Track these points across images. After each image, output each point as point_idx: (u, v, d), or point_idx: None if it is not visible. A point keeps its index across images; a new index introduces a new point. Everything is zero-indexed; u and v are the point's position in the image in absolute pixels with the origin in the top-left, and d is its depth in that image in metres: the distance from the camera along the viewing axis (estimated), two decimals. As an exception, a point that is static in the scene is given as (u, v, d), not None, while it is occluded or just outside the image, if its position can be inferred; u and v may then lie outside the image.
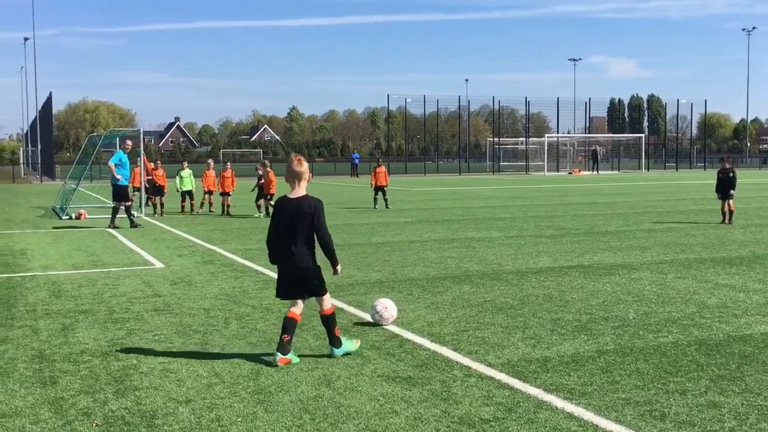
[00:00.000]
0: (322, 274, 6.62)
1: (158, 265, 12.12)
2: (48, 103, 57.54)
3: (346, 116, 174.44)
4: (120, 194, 18.33)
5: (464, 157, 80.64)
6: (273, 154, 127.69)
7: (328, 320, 6.68)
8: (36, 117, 70.22)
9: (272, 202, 19.97)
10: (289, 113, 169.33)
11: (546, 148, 65.79)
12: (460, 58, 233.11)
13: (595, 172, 62.52)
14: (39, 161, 64.40)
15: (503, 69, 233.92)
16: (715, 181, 18.66)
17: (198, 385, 5.84)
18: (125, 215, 18.39)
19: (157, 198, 22.44)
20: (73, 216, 20.64)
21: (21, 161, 73.90)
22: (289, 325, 6.50)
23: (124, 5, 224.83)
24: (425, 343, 7.06)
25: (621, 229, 17.02)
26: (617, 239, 15.02)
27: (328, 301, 6.73)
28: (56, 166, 58.66)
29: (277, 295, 6.71)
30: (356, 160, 60.36)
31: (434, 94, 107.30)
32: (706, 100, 79.02)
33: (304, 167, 6.60)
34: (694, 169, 72.01)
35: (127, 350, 6.87)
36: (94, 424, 5.03)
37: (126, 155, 18.58)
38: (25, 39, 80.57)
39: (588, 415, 5.14)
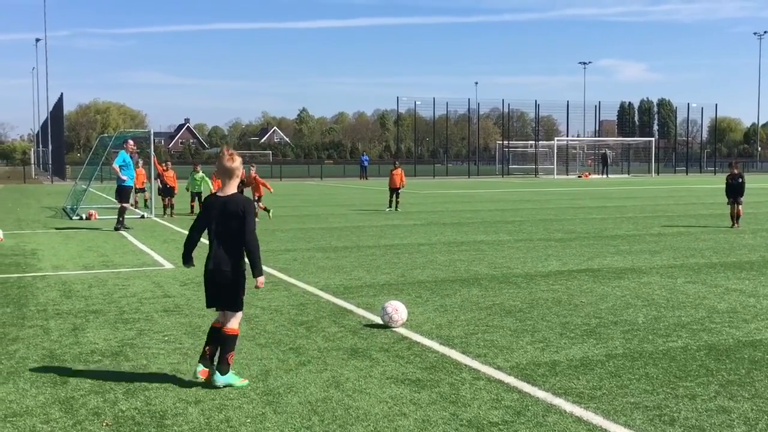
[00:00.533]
0: (244, 287, 6.00)
1: (168, 265, 12.16)
2: (59, 103, 57.84)
3: (356, 118, 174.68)
4: (126, 195, 18.44)
5: (473, 160, 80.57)
6: (282, 155, 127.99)
7: (227, 341, 5.87)
8: (47, 117, 70.58)
9: (261, 204, 19.99)
10: (298, 115, 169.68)
11: (555, 151, 65.69)
12: (469, 60, 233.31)
13: (604, 176, 62.37)
14: (50, 161, 64.70)
15: (513, 72, 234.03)
16: (724, 186, 18.79)
17: (207, 386, 5.86)
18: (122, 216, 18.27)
19: (168, 199, 22.59)
20: (84, 216, 20.74)
21: (32, 161, 74.29)
22: (211, 336, 5.97)
23: (136, 7, 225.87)
24: (434, 345, 7.07)
25: (631, 233, 16.98)
26: (627, 243, 14.98)
27: (237, 321, 5.97)
28: (67, 166, 58.93)
29: (207, 304, 6.11)
30: (365, 163, 60.41)
31: (444, 97, 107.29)
32: (716, 104, 78.70)
33: (236, 163, 5.94)
34: (705, 174, 71.74)
35: (137, 350, 6.91)
36: (104, 424, 5.06)
37: (129, 156, 18.59)
38: (37, 40, 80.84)
39: (597, 419, 5.14)
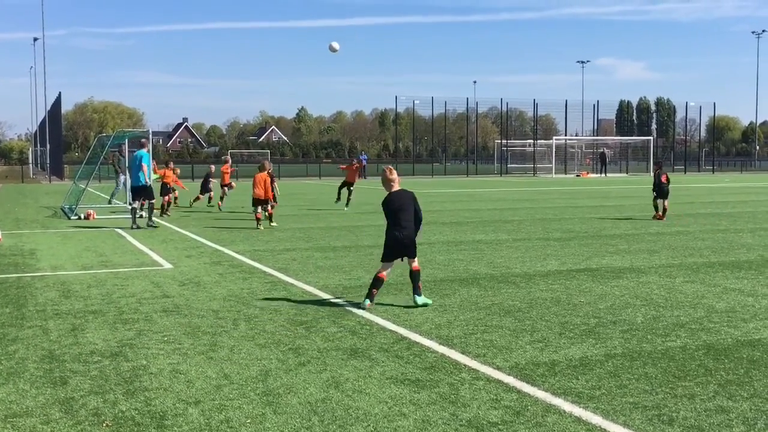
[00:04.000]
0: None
1: (167, 265, 12.17)
2: (57, 103, 57.75)
3: (354, 117, 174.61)
4: (146, 193, 18.28)
5: (472, 159, 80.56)
6: (281, 155, 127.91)
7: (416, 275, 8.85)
8: (45, 117, 70.49)
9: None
10: (297, 114, 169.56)
11: (554, 150, 65.69)
12: (468, 59, 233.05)
13: (603, 175, 62.38)
14: (48, 161, 64.63)
15: (511, 71, 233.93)
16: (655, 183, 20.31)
17: (207, 386, 5.87)
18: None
19: (165, 197, 22.47)
20: (82, 216, 20.73)
21: (30, 161, 74.19)
22: (375, 281, 8.78)
23: (133, 6, 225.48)
24: (433, 345, 7.08)
25: (629, 232, 17.00)
26: (625, 242, 15.00)
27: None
28: (65, 165, 58.88)
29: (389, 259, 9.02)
30: (364, 162, 60.38)
31: (442, 96, 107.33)
32: (714, 103, 78.37)
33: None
34: (703, 172, 71.80)
35: (137, 351, 6.91)
36: (104, 425, 5.06)
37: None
38: (35, 39, 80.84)
39: (596, 419, 5.15)
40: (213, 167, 26.17)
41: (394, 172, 9.18)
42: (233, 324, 7.98)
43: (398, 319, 8.14)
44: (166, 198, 22.45)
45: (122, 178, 26.55)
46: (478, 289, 9.96)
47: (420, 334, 7.49)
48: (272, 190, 18.57)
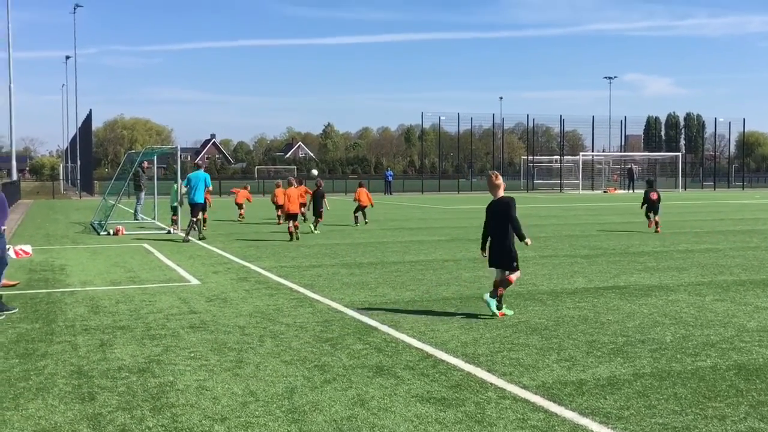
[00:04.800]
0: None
1: (194, 281, 12.25)
2: (88, 120, 58.58)
3: (380, 133, 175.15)
4: (203, 209, 20.07)
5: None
6: (307, 171, 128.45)
7: (504, 282, 9.22)
8: (76, 133, 71.51)
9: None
10: (323, 130, 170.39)
11: (581, 166, 65.33)
12: (494, 75, 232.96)
13: (630, 191, 61.88)
14: (78, 177, 65.49)
15: (538, 87, 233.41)
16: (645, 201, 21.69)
17: (233, 403, 5.89)
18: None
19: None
20: (111, 232, 20.96)
21: (61, 177, 75.24)
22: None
23: (163, 25, 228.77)
24: (459, 363, 7.04)
25: (657, 249, 16.83)
26: (654, 260, 14.85)
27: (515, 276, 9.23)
28: (95, 181, 59.62)
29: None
30: (390, 178, 60.47)
31: (468, 112, 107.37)
32: (744, 119, 77.75)
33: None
34: (732, 189, 70.97)
35: (164, 367, 6.95)
36: (131, 441, 5.09)
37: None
38: (67, 57, 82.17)
39: (624, 440, 5.08)
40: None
41: (500, 177, 9.37)
42: (259, 340, 8.01)
43: (424, 337, 8.12)
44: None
45: (142, 193, 26.92)
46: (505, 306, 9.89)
47: (446, 352, 7.45)
48: (321, 206, 21.62)
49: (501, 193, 9.37)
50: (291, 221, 18.92)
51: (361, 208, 24.15)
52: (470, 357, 7.27)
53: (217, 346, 7.75)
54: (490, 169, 9.25)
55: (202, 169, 20.95)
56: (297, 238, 18.78)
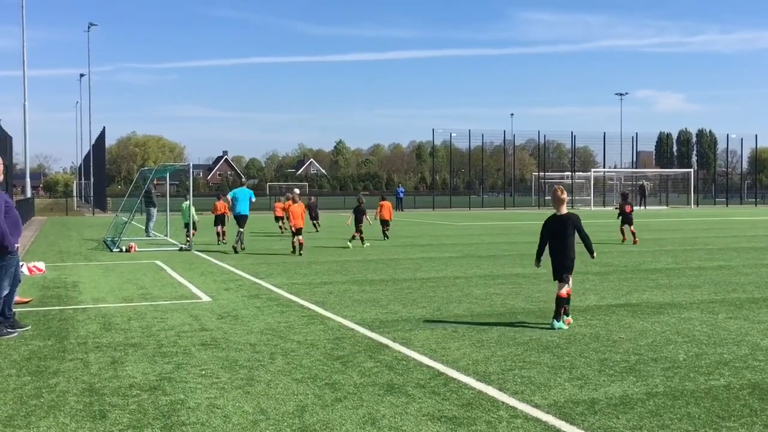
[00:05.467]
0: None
1: (205, 298, 12.27)
2: (101, 137, 59.04)
3: (392, 150, 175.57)
4: (245, 221, 21.92)
5: (509, 192, 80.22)
6: (318, 187, 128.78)
7: (560, 301, 9.57)
8: (89, 150, 72.00)
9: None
10: (335, 147, 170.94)
11: (592, 182, 65.20)
12: (505, 92, 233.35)
13: (642, 208, 61.65)
14: (92, 194, 65.90)
15: (549, 103, 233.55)
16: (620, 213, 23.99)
17: (244, 421, 5.88)
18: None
19: (219, 227, 23.87)
20: (124, 249, 21.05)
21: (74, 193, 75.67)
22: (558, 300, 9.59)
23: (176, 42, 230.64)
24: (471, 381, 7.02)
25: (670, 266, 16.74)
26: (666, 277, 14.77)
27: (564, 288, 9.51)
28: (108, 198, 59.96)
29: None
30: (401, 194, 60.52)
31: (479, 128, 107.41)
32: (756, 135, 77.11)
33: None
34: (745, 205, 70.60)
35: (175, 385, 6.96)
36: (142, 459, 5.09)
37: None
38: (81, 75, 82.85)
39: (637, 461, 5.04)
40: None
41: (565, 192, 9.69)
42: (270, 358, 8.01)
43: (435, 355, 8.10)
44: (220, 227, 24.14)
45: (154, 210, 27.05)
46: (515, 324, 9.86)
47: (457, 370, 7.43)
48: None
49: (564, 208, 9.64)
50: (296, 236, 19.86)
51: (384, 222, 25.03)
52: (481, 375, 7.24)
53: (228, 364, 7.75)
54: (556, 186, 10.00)
55: (246, 186, 24.16)
56: (300, 254, 19.45)
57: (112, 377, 7.24)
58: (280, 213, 29.20)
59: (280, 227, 29.00)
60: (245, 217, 21.88)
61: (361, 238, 22.42)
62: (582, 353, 8.16)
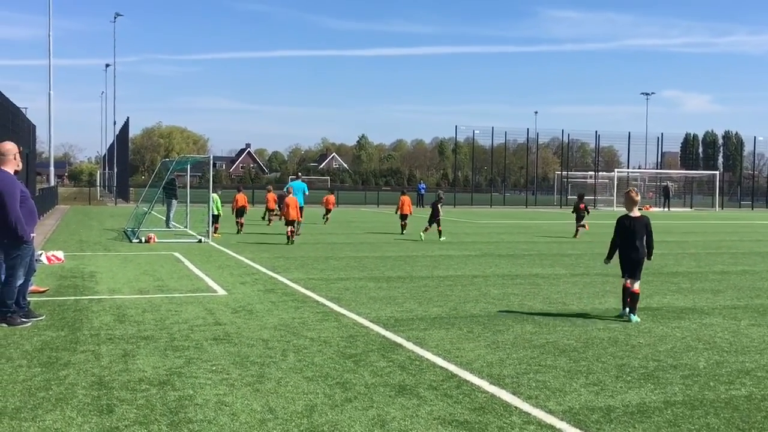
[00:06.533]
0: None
1: (221, 292, 12.22)
2: (125, 127, 59.35)
3: (414, 146, 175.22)
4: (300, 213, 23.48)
5: (531, 190, 79.80)
6: (340, 181, 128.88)
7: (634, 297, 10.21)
8: (114, 140, 72.51)
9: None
10: (358, 141, 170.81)
11: (616, 182, 64.60)
12: (530, 90, 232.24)
13: (666, 209, 61.01)
14: (115, 183, 66.33)
15: (574, 102, 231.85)
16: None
17: (251, 420, 5.79)
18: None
19: (239, 218, 25.42)
20: (143, 239, 21.09)
21: (98, 183, 76.24)
22: (625, 292, 10.38)
23: (202, 34, 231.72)
24: (484, 384, 6.88)
25: (692, 270, 16.47)
26: (688, 281, 14.52)
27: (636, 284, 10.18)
28: (131, 188, 60.30)
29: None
30: (422, 190, 60.33)
31: (503, 126, 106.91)
32: (784, 137, 76.16)
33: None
34: (772, 208, 69.62)
35: (185, 380, 6.88)
36: (146, 457, 5.01)
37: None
38: (107, 65, 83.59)
39: (653, 473, 4.89)
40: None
41: (638, 194, 10.49)
42: (282, 355, 7.92)
43: (449, 355, 7.97)
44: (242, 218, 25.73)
45: (174, 201, 27.04)
46: (532, 325, 9.72)
47: (471, 372, 7.30)
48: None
49: (636, 210, 10.40)
50: (290, 226, 21.44)
51: (403, 216, 26.35)
52: (495, 378, 7.10)
53: (240, 360, 7.67)
54: (630, 188, 11.02)
55: (300, 180, 27.17)
56: (292, 243, 21.07)
57: (122, 370, 7.19)
58: (272, 205, 30.09)
59: (270, 218, 29.82)
60: (300, 208, 23.57)
61: (439, 231, 23.78)
62: (599, 358, 8.00)
